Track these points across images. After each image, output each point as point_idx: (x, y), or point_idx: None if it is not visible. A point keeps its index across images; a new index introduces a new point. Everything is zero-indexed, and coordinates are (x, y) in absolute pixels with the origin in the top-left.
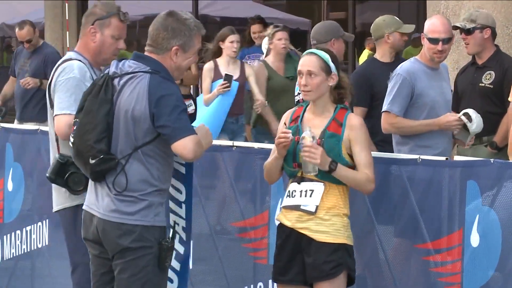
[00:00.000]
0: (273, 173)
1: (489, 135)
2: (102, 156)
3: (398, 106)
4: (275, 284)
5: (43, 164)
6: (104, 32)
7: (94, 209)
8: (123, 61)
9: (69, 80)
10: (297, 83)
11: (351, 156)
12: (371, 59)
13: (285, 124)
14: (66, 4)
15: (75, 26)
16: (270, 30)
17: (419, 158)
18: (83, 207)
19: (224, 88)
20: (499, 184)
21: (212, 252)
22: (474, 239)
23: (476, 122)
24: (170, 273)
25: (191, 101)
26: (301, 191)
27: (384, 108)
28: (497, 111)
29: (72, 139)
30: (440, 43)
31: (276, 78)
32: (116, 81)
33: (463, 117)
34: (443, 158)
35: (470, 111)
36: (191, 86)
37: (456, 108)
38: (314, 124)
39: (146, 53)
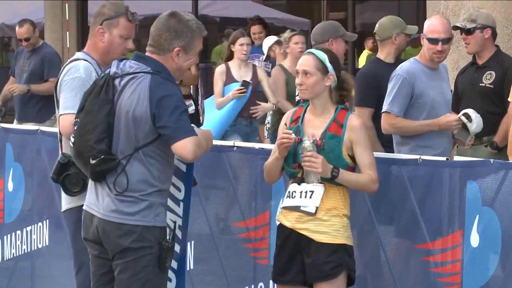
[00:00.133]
0: (273, 173)
1: (489, 135)
2: (102, 157)
3: (398, 106)
4: (275, 284)
5: (43, 164)
6: (112, 32)
7: (94, 209)
8: (124, 61)
9: (74, 80)
10: None
11: (351, 157)
12: (376, 60)
13: (285, 124)
14: (66, 4)
15: (74, 26)
16: (287, 34)
17: (420, 158)
18: (83, 207)
19: (240, 93)
20: (499, 184)
21: (212, 252)
22: (474, 239)
23: (476, 122)
24: (168, 272)
25: (191, 101)
26: (301, 192)
27: (384, 108)
28: (497, 111)
29: (72, 139)
30: (440, 43)
31: (293, 82)
32: (117, 81)
33: (463, 117)
34: (443, 158)
35: (470, 111)
36: (191, 86)
37: (456, 108)
38: (315, 125)
39: (147, 54)
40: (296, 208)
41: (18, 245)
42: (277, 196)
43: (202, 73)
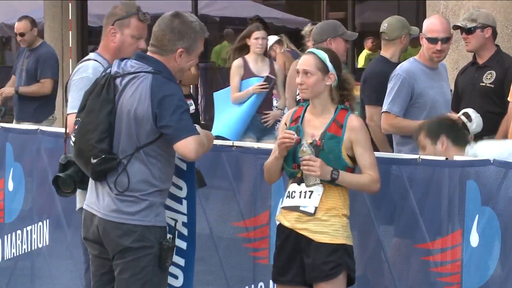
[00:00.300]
0: (273, 173)
1: (489, 135)
2: (103, 156)
3: (398, 106)
4: (275, 284)
5: (43, 164)
6: (124, 32)
7: (95, 209)
8: (125, 60)
9: (82, 79)
10: None
11: (351, 157)
12: (382, 59)
13: (285, 124)
14: (69, 4)
15: (74, 26)
16: (308, 27)
17: (419, 158)
18: (84, 207)
19: (262, 88)
20: (498, 184)
21: (212, 252)
22: (474, 239)
23: (476, 121)
24: (174, 269)
25: (192, 101)
26: (300, 192)
27: (384, 108)
28: (498, 111)
29: (73, 138)
30: (439, 42)
31: None
32: (118, 80)
33: (462, 117)
34: (443, 158)
35: (470, 110)
36: (191, 85)
37: (456, 108)
38: (314, 125)
39: (149, 53)
40: (296, 208)
41: (18, 244)
42: (277, 196)
43: (202, 73)
